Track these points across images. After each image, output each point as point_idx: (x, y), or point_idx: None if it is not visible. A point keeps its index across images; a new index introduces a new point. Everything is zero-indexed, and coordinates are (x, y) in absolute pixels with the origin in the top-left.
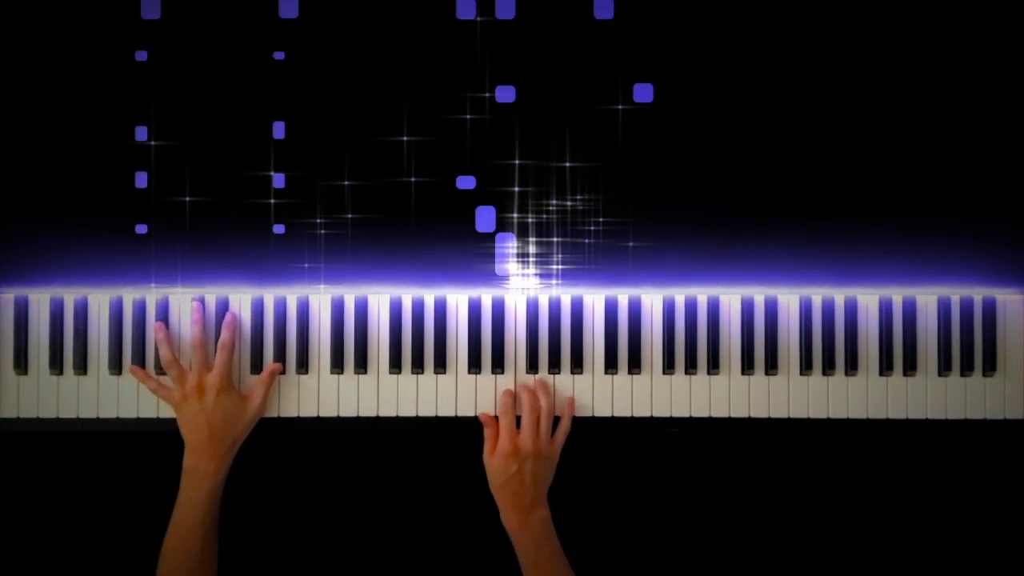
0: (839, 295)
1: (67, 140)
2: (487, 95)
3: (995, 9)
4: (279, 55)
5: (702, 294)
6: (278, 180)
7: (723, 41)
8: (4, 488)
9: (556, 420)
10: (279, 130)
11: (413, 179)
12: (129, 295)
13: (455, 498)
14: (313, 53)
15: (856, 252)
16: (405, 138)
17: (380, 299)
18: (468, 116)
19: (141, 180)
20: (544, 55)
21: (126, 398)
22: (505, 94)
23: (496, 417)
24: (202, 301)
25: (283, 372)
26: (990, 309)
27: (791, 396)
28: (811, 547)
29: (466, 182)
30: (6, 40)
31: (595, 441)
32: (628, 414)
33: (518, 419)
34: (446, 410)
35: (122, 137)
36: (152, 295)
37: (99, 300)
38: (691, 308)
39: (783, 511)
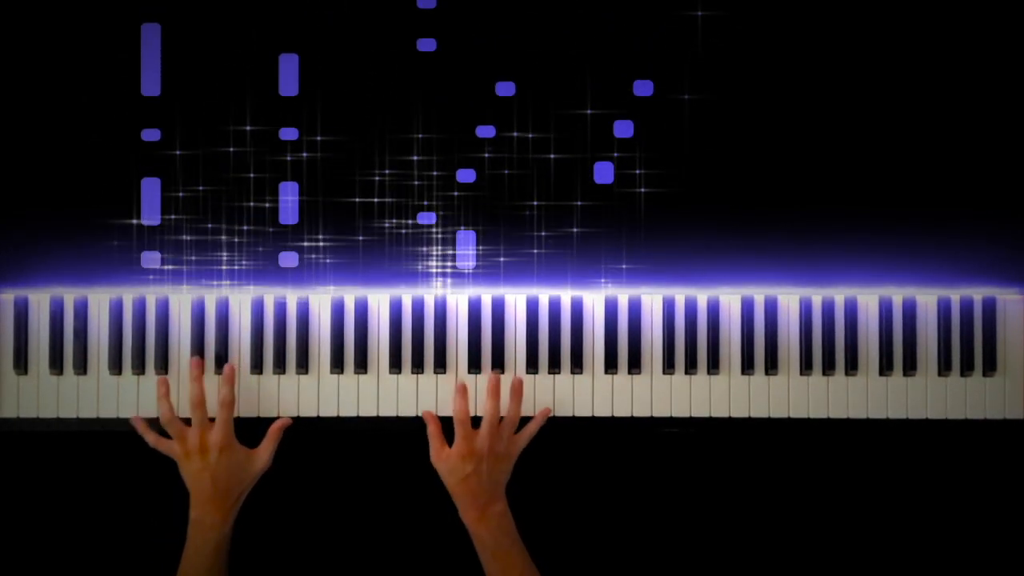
0: (839, 295)
1: (67, 140)
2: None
3: (995, 9)
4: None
5: (702, 294)
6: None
7: (723, 41)
8: (4, 488)
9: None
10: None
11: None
12: (129, 295)
13: None
14: (324, 55)
15: (856, 252)
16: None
17: (380, 299)
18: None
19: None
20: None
21: (126, 398)
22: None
23: (438, 416)
24: (201, 356)
25: (283, 372)
26: (990, 309)
27: (791, 396)
28: (811, 547)
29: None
30: (6, 40)
31: (595, 441)
32: (628, 414)
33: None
34: (446, 410)
35: (123, 136)
36: (152, 295)
37: (99, 300)
38: (691, 308)
39: (783, 511)
